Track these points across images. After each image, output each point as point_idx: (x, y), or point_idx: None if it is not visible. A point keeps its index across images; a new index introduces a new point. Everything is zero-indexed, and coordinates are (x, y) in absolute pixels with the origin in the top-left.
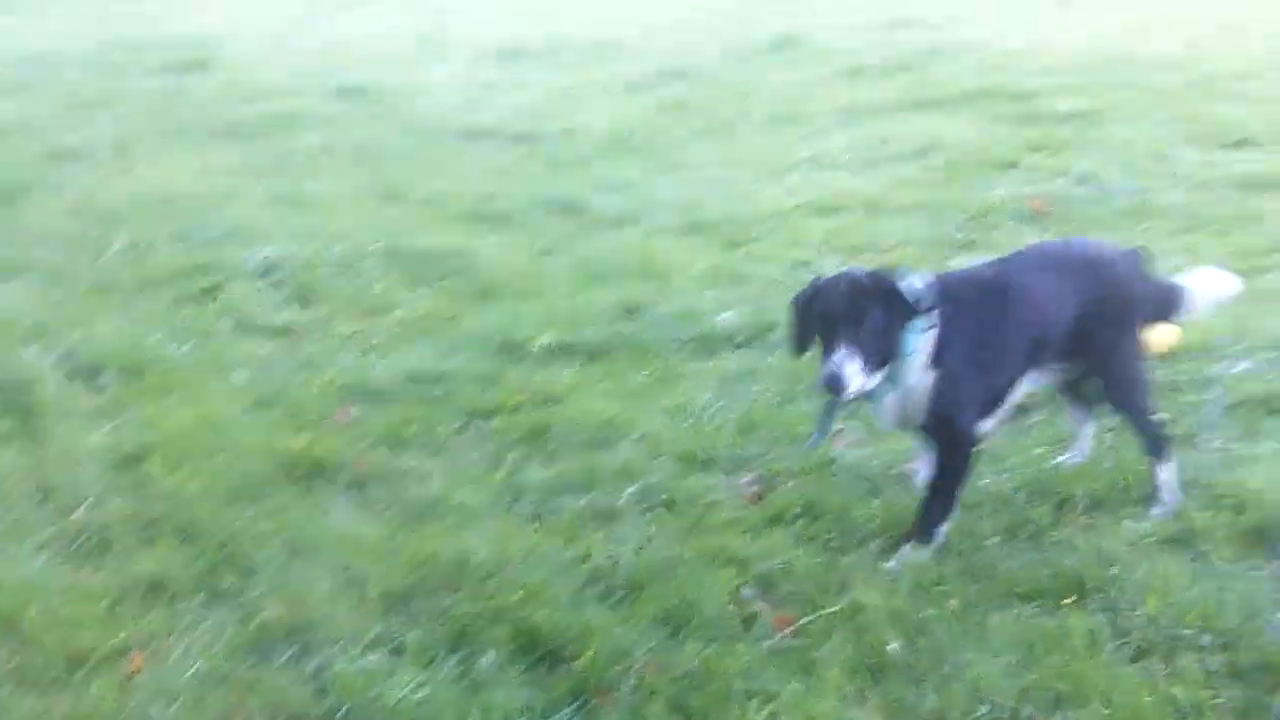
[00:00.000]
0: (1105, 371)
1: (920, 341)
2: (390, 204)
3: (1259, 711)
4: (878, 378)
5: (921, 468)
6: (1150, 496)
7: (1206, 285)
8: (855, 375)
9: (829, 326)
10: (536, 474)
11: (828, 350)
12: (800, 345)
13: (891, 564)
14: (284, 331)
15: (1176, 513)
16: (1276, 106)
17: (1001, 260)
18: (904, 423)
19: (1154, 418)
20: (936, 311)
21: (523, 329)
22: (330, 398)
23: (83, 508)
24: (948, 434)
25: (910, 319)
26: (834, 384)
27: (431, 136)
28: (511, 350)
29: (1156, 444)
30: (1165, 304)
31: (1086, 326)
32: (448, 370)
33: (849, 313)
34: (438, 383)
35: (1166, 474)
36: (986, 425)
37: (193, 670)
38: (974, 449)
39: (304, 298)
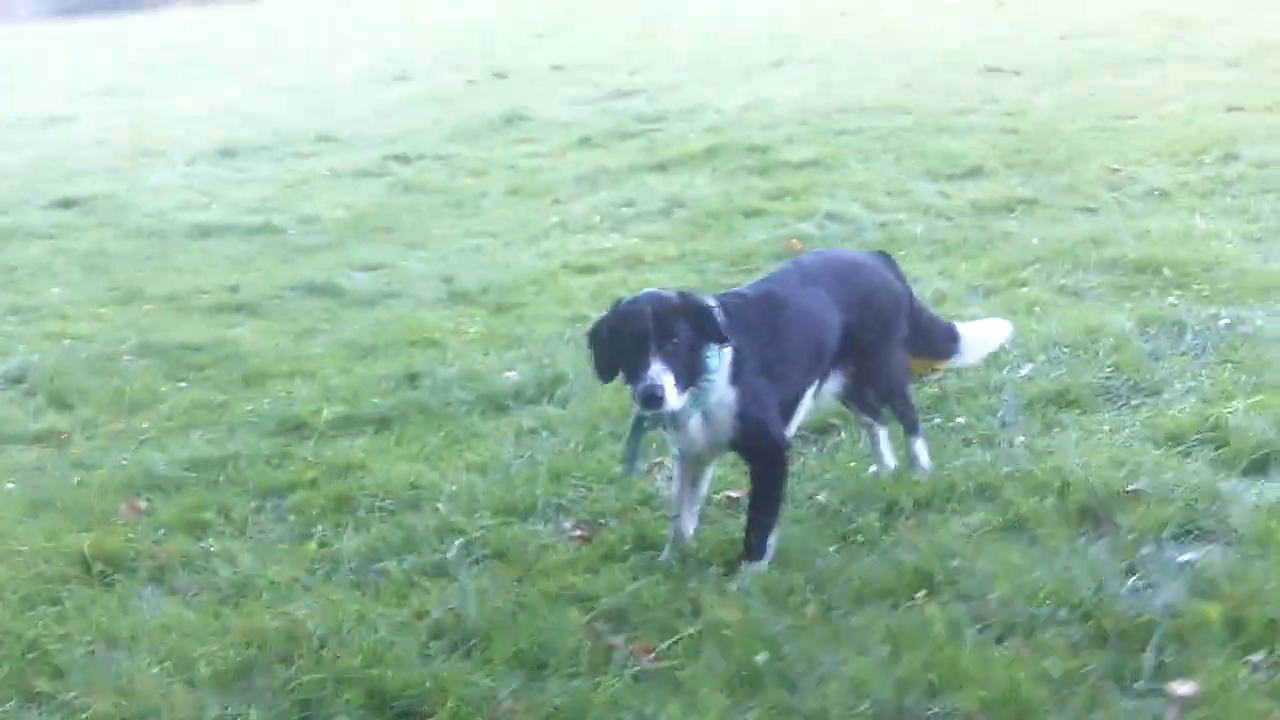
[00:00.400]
0: (874, 366)
1: (721, 359)
2: (130, 306)
3: (1131, 672)
4: (684, 398)
5: (688, 526)
6: (912, 465)
7: (980, 335)
8: (671, 388)
9: (638, 344)
10: (350, 542)
11: (639, 368)
12: (607, 370)
13: (737, 583)
14: (46, 436)
15: (931, 474)
16: (997, 135)
17: (767, 279)
18: (711, 444)
19: (910, 404)
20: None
21: (301, 407)
22: (112, 494)
23: None
24: (761, 445)
25: (716, 338)
26: (651, 397)
27: (161, 238)
28: (294, 428)
29: (913, 424)
30: (940, 342)
31: (853, 329)
32: (231, 453)
33: (659, 330)
34: (223, 467)
35: (920, 446)
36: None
37: None
38: (788, 455)
39: (60, 402)
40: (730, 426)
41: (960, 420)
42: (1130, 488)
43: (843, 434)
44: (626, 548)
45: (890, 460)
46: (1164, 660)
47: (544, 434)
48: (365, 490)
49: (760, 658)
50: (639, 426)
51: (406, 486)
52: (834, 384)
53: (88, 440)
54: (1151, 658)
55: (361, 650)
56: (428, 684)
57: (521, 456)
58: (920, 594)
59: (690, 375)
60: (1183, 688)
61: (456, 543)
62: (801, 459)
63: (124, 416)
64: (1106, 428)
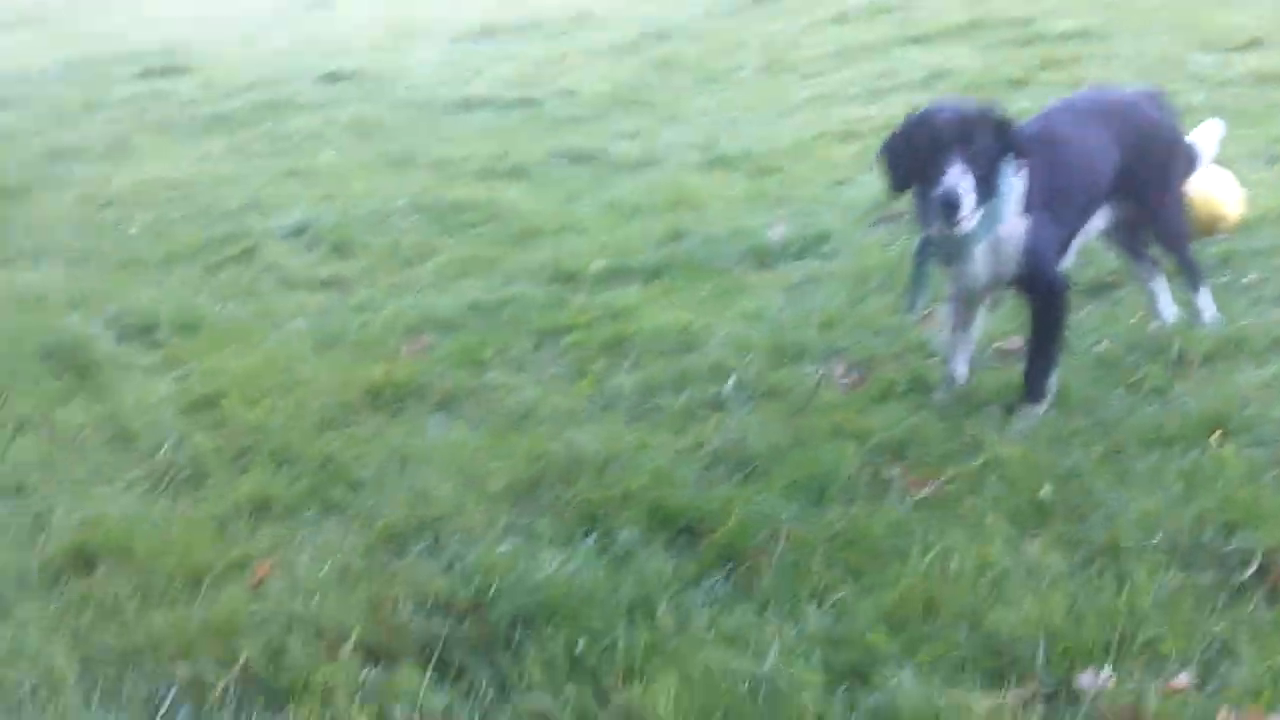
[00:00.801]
0: (1152, 211)
1: (1015, 185)
2: (401, 170)
3: None
4: (976, 217)
5: (961, 367)
6: (1196, 317)
7: (1204, 138)
8: (969, 195)
9: (937, 150)
10: (626, 379)
11: (937, 174)
12: (899, 181)
13: (1018, 423)
14: (330, 283)
15: (1220, 326)
16: (1277, 7)
17: (1041, 115)
18: (991, 279)
19: (1192, 254)
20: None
21: (572, 260)
22: (397, 332)
23: (166, 446)
24: (1044, 281)
25: (1015, 154)
26: (949, 204)
27: (426, 110)
28: (567, 278)
29: (1197, 275)
30: (1189, 158)
31: (1129, 169)
32: (509, 297)
33: (959, 137)
34: (502, 309)
35: (1205, 298)
36: None
37: (325, 569)
38: (1068, 294)
39: (341, 252)
40: (1015, 260)
41: (1250, 279)
42: None
43: (1122, 290)
44: (902, 388)
45: (1171, 313)
46: None
47: (811, 287)
48: (638, 333)
49: (1045, 492)
50: (923, 256)
51: (678, 331)
52: (1103, 223)
53: (368, 287)
54: None
55: (643, 472)
56: (710, 505)
57: (790, 307)
58: (1214, 436)
59: (987, 189)
60: None
61: (731, 379)
62: (1083, 310)
63: (400, 268)
64: None
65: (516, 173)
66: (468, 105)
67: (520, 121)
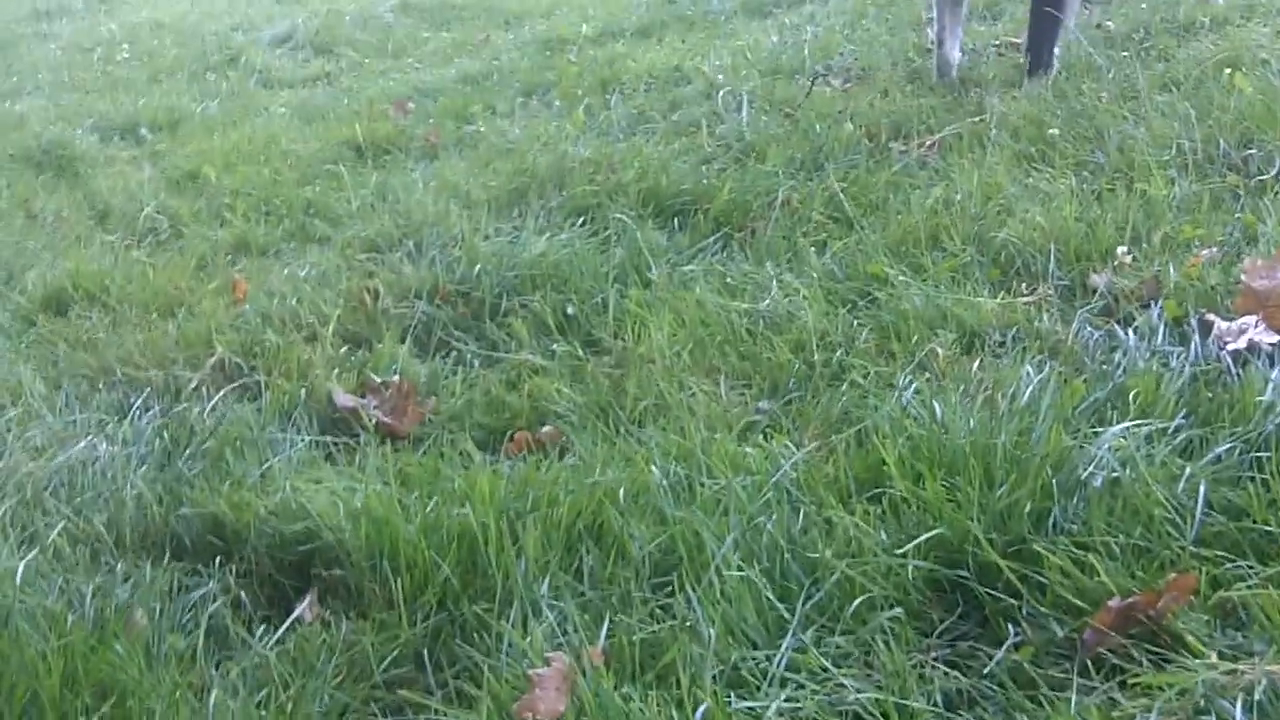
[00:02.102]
0: None
1: None
2: None
3: None
4: None
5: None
6: None
7: None
8: None
9: None
10: (618, 110)
11: None
12: None
13: (1026, 89)
14: (315, 78)
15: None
16: None
17: None
18: None
19: None
20: None
21: (562, 28)
22: (381, 103)
23: (148, 209)
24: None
25: None
26: None
27: None
28: (557, 46)
29: None
30: None
31: None
32: (498, 67)
33: None
34: (488, 77)
35: None
36: None
37: (343, 280)
38: None
39: (326, 52)
40: None
41: None
42: None
43: None
44: (901, 82)
45: None
46: None
47: (809, 27)
48: (629, 73)
49: (1053, 131)
50: None
51: (669, 69)
52: None
53: (355, 78)
54: None
55: (636, 166)
56: (702, 187)
57: (786, 42)
58: (1227, 71)
59: None
60: None
61: (724, 91)
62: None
63: (389, 58)
64: None
65: None
66: None
67: None
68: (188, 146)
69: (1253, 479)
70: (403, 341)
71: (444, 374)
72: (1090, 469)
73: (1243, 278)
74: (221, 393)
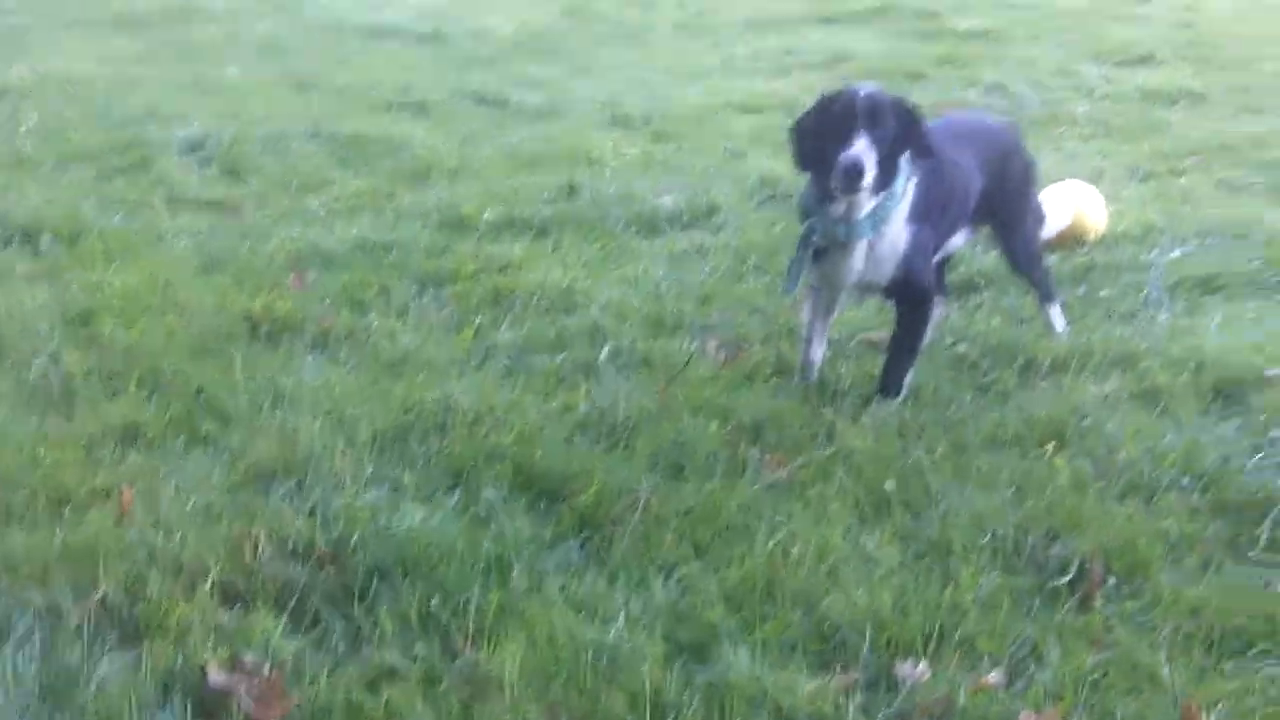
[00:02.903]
0: (1007, 232)
1: (905, 188)
2: (304, 93)
3: (1245, 542)
4: (867, 209)
5: (816, 353)
6: (1048, 328)
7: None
8: (872, 167)
9: (845, 125)
10: (505, 335)
11: (842, 145)
12: (807, 158)
13: (870, 416)
14: (219, 205)
15: (1068, 339)
16: (1170, 28)
17: None
18: (865, 280)
19: (1045, 271)
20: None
21: (464, 206)
22: (281, 263)
23: (39, 360)
24: (916, 290)
25: (920, 146)
26: (852, 170)
27: (334, 33)
28: (457, 225)
29: (1049, 292)
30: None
31: (992, 194)
32: (397, 239)
33: (871, 116)
34: (388, 251)
35: (1055, 313)
36: None
37: (190, 505)
38: (933, 304)
39: (234, 174)
40: (893, 265)
41: (1105, 294)
42: (1268, 373)
43: (985, 293)
44: (768, 371)
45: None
46: None
47: (695, 258)
48: (522, 288)
49: (888, 485)
50: (807, 240)
51: (561, 291)
52: (961, 242)
53: (258, 212)
54: (1268, 531)
55: (513, 430)
56: (573, 468)
57: (672, 277)
58: (1049, 445)
59: (885, 176)
60: None
61: (606, 346)
62: (946, 316)
63: (293, 194)
64: (1250, 315)
65: (418, 108)
66: (377, 33)
67: (428, 55)
68: (86, 273)
69: None
70: (277, 610)
71: (310, 657)
72: None
73: None
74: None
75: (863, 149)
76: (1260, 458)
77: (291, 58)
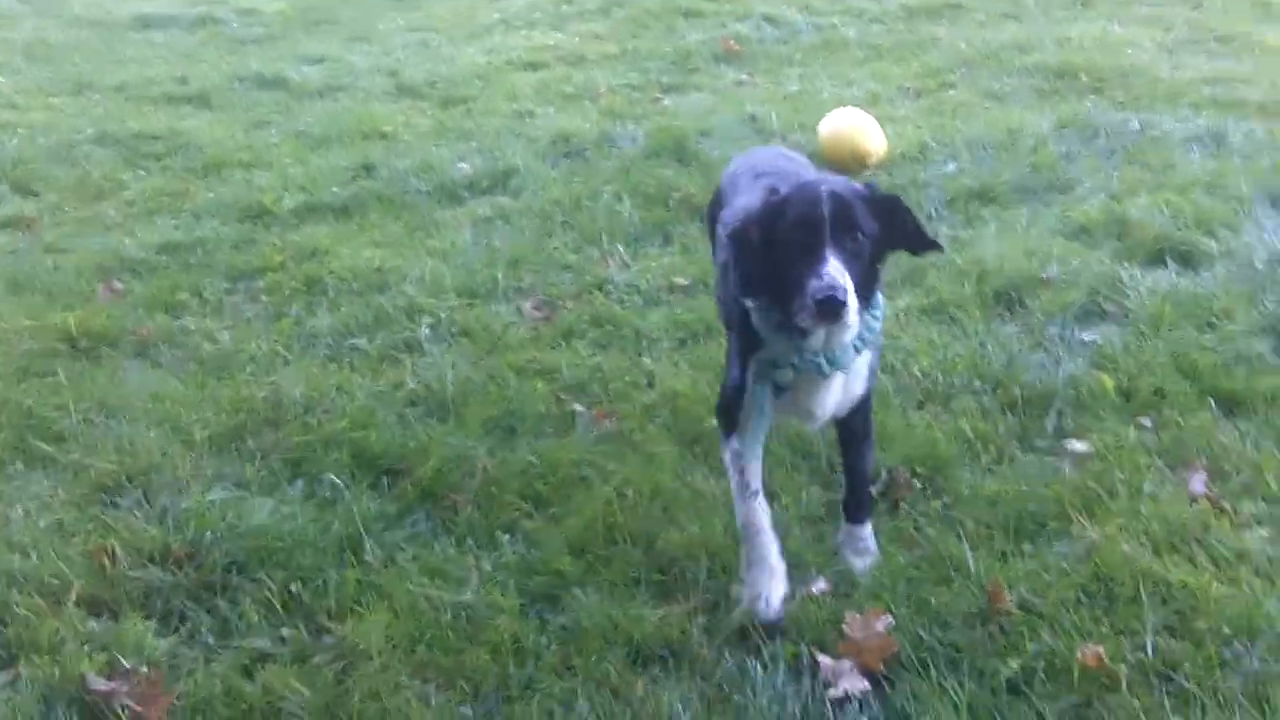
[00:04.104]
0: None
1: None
2: (82, 95)
3: (1033, 434)
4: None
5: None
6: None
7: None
8: (853, 295)
9: (809, 242)
10: (324, 321)
11: (809, 266)
12: (755, 286)
13: (861, 563)
14: (16, 222)
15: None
16: None
17: None
18: (828, 412)
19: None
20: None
21: (262, 196)
22: (88, 275)
23: None
24: (868, 410)
25: (919, 243)
26: (830, 306)
27: (102, 29)
28: (258, 216)
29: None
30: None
31: None
32: (200, 238)
33: (842, 224)
34: (193, 250)
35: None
36: None
37: (42, 524)
38: None
39: (24, 189)
40: (861, 388)
41: None
42: (1042, 275)
43: None
44: (584, 327)
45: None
46: (1064, 423)
47: (500, 223)
48: (333, 273)
49: (711, 422)
50: (766, 377)
51: (372, 270)
52: None
53: (57, 226)
54: (1053, 421)
55: (345, 415)
56: (410, 443)
57: (479, 244)
58: None
59: (868, 293)
60: (1078, 445)
61: (426, 321)
62: None
63: (89, 203)
64: (1023, 221)
65: (200, 99)
66: (145, 24)
67: (201, 42)
68: None
69: None
70: (144, 614)
71: (184, 654)
72: None
73: (844, 628)
74: None
75: (837, 272)
76: (1041, 355)
77: (62, 59)
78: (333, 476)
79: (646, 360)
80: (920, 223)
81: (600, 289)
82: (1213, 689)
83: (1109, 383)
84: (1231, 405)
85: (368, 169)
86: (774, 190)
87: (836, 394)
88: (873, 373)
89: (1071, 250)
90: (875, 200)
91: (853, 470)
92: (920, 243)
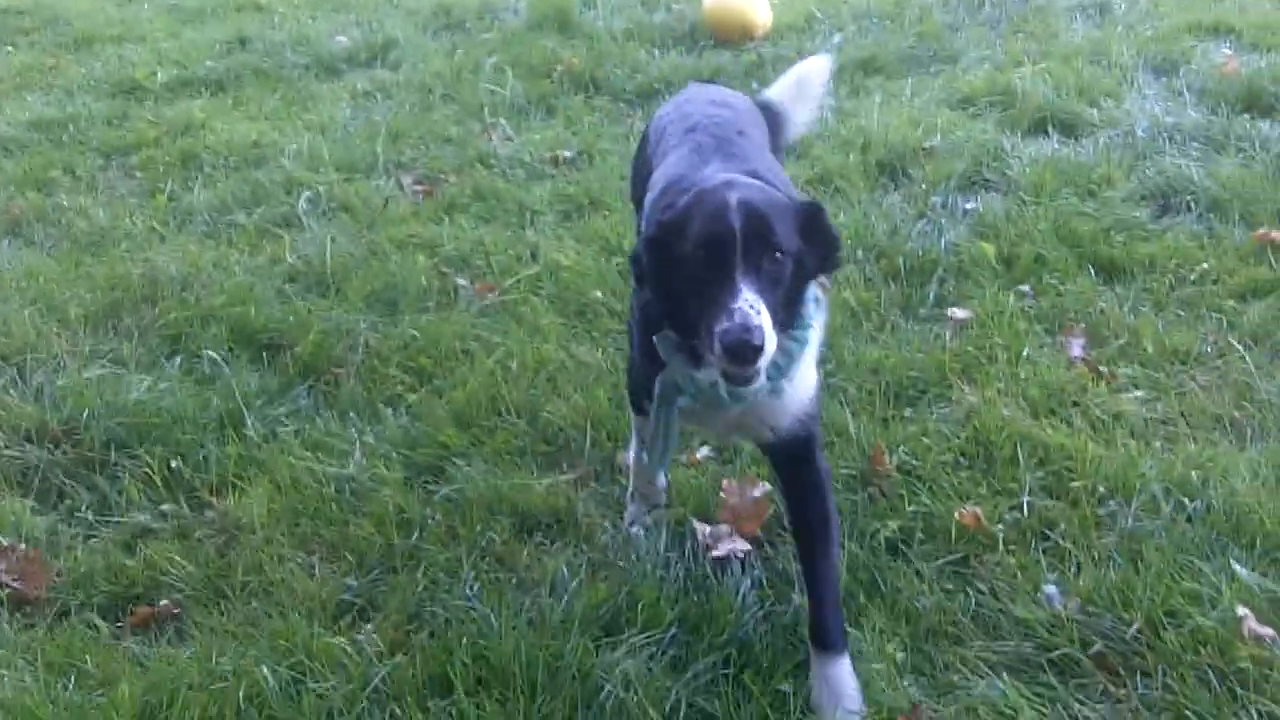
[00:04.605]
0: None
1: (818, 316)
2: None
3: (915, 303)
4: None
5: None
6: None
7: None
8: (771, 333)
9: (717, 263)
10: (200, 196)
11: (719, 297)
12: (657, 315)
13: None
14: None
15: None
16: None
17: None
18: (748, 434)
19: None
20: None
21: (135, 71)
22: None
23: None
24: (812, 453)
25: (829, 265)
26: (743, 347)
27: None
28: (130, 90)
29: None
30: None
31: None
32: (72, 115)
33: (756, 243)
34: (65, 127)
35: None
36: None
37: None
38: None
39: None
40: (790, 419)
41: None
42: (925, 145)
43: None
44: (466, 200)
45: None
46: (945, 291)
47: (379, 97)
48: (209, 149)
49: (595, 294)
50: (669, 403)
51: (249, 145)
52: None
53: None
54: (935, 288)
55: (223, 291)
56: (290, 318)
57: (359, 118)
58: None
59: (789, 319)
60: (960, 312)
61: (305, 195)
62: (629, 121)
63: None
64: (908, 92)
65: None
66: None
67: None
68: None
69: (726, 681)
70: (21, 492)
71: (63, 531)
72: (606, 687)
73: (722, 495)
74: None
75: (751, 307)
76: (924, 224)
77: None
78: (212, 352)
79: (530, 233)
80: (838, 240)
81: (482, 162)
82: (1088, 547)
83: (990, 250)
84: (1110, 272)
85: (242, 42)
86: (669, 206)
87: (746, 421)
88: (806, 418)
89: (956, 120)
90: (795, 210)
91: (814, 572)
92: (835, 262)
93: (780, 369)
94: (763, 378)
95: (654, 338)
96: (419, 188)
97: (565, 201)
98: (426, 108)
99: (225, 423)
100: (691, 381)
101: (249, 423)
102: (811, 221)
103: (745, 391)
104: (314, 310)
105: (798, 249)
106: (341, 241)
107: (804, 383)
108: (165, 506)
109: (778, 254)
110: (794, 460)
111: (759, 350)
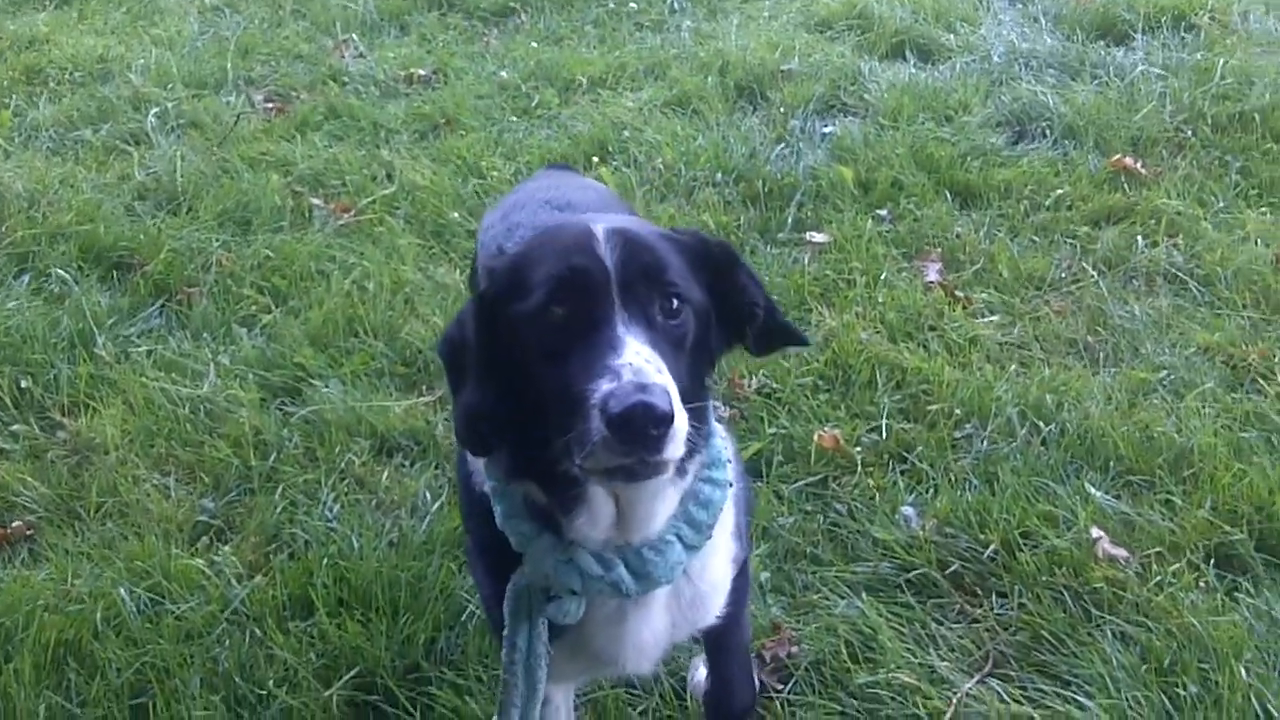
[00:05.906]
0: None
1: (732, 469)
2: None
3: (777, 225)
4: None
5: None
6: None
7: None
8: (679, 403)
9: (584, 309)
10: (45, 112)
11: (585, 362)
12: (476, 413)
13: None
14: None
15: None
16: None
17: None
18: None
19: None
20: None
21: None
22: None
23: None
24: (745, 639)
25: (777, 339)
26: (644, 411)
27: None
28: None
29: None
30: None
31: None
32: None
33: (640, 282)
34: None
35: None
36: None
37: None
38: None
39: None
40: (716, 604)
41: (633, 6)
42: (783, 68)
43: (523, 16)
44: (319, 119)
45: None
46: (804, 215)
47: (227, 11)
48: (53, 63)
49: (453, 215)
50: (523, 613)
51: (95, 60)
52: None
53: None
54: (794, 212)
55: (71, 209)
56: (140, 236)
57: (207, 32)
58: (595, 159)
59: (693, 410)
60: (818, 236)
61: (153, 111)
62: (485, 40)
63: None
64: (765, 14)
65: None
66: None
67: None
68: None
69: None
70: None
71: None
72: (468, 608)
73: None
74: None
75: (646, 356)
76: (782, 148)
77: None
78: (61, 271)
79: (385, 152)
80: (770, 300)
81: (335, 79)
82: (945, 468)
83: (849, 175)
84: (966, 197)
85: None
86: (501, 252)
87: (660, 626)
88: (735, 596)
89: (813, 43)
90: (696, 250)
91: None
92: (776, 333)
93: (698, 528)
94: (677, 547)
95: (492, 502)
96: (270, 105)
97: (421, 120)
98: (277, 23)
99: (76, 342)
100: (566, 570)
101: (100, 342)
102: (720, 267)
103: (656, 564)
104: (165, 229)
105: (700, 303)
106: (192, 159)
107: (723, 551)
108: (16, 427)
109: (674, 300)
110: (735, 680)
111: (665, 419)
